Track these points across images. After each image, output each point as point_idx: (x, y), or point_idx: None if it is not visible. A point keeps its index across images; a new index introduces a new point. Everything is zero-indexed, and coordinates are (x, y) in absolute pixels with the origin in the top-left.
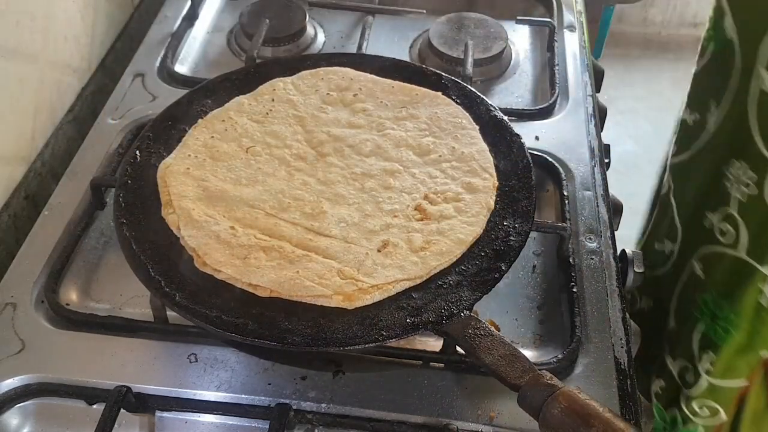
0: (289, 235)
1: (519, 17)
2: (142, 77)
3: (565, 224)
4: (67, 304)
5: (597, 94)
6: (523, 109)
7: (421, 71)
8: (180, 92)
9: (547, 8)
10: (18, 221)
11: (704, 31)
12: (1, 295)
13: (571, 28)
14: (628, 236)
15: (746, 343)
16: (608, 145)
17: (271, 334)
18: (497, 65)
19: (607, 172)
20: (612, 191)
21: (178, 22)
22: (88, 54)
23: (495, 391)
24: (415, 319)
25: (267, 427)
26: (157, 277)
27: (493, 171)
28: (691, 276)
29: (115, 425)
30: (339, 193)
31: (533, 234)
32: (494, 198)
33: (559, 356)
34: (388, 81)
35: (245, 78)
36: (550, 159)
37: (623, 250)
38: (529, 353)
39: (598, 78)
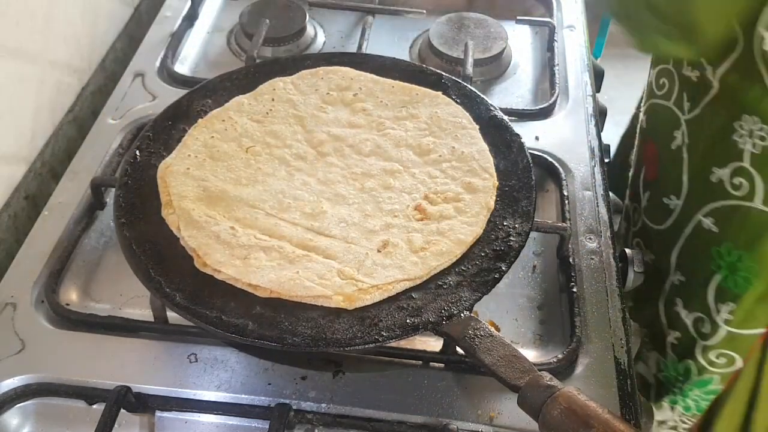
0: (289, 235)
1: (519, 17)
2: (142, 77)
3: (565, 224)
4: (67, 304)
5: (597, 94)
6: (523, 109)
7: (421, 71)
8: (180, 92)
9: (547, 8)
10: (18, 221)
11: None
12: (1, 295)
13: (571, 28)
14: None
15: (767, 292)
16: (608, 145)
17: (271, 335)
18: (497, 65)
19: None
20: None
21: (178, 22)
22: (88, 54)
23: (495, 391)
24: (415, 320)
25: (267, 427)
26: (157, 278)
27: (493, 171)
28: (699, 230)
29: (115, 425)
30: (339, 193)
31: (533, 234)
32: (494, 198)
33: (559, 356)
34: (388, 81)
35: (245, 78)
36: (550, 159)
37: (623, 250)
38: (529, 353)
39: (598, 78)
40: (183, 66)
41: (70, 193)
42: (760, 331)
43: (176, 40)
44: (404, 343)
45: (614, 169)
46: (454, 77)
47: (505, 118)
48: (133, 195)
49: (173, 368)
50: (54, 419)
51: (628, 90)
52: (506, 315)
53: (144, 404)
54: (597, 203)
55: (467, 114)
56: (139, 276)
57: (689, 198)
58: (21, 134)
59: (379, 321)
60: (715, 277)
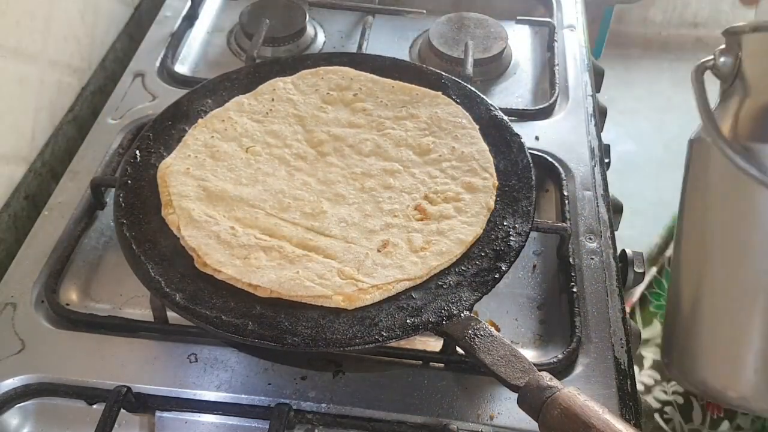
0: (289, 235)
1: (519, 17)
2: (142, 77)
3: (565, 224)
4: (67, 304)
5: (597, 94)
6: (523, 109)
7: (421, 71)
8: (180, 92)
9: (547, 8)
10: (18, 221)
11: None
12: (1, 295)
13: (571, 28)
14: (628, 236)
15: None
16: (608, 145)
17: (271, 335)
18: (497, 65)
19: (607, 172)
20: (612, 191)
21: (178, 22)
22: (88, 54)
23: (495, 391)
24: (415, 320)
25: (267, 427)
26: (157, 278)
27: (493, 171)
28: None
29: (115, 425)
30: (339, 193)
31: (533, 234)
32: (494, 198)
33: (559, 356)
34: (388, 81)
35: (245, 78)
36: (550, 159)
37: (623, 250)
38: (529, 353)
39: (598, 78)
40: (183, 66)
41: (70, 193)
42: None
43: (176, 40)
44: (404, 343)
45: None
46: (454, 77)
47: (505, 118)
48: (133, 195)
49: (173, 368)
50: (54, 419)
51: (628, 90)
52: (506, 315)
53: (144, 404)
54: (597, 203)
55: (467, 114)
56: (139, 276)
57: None
58: (21, 134)
59: (379, 321)
60: None
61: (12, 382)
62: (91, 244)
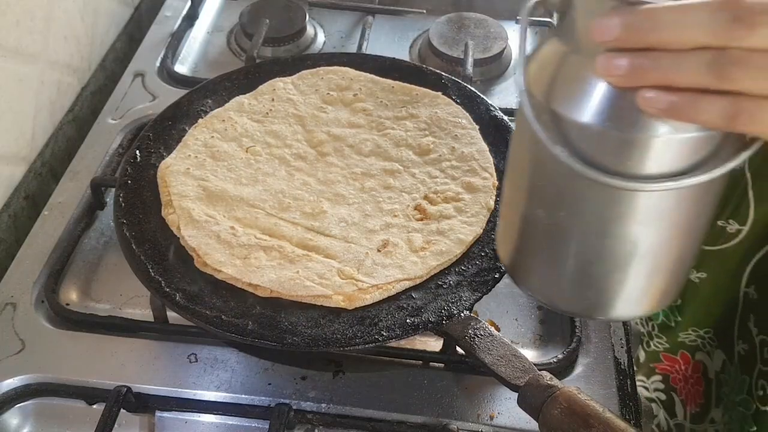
0: (290, 235)
1: (519, 17)
2: (142, 77)
3: None
4: (67, 304)
5: None
6: None
7: (421, 71)
8: (180, 92)
9: (547, 8)
10: (18, 221)
11: None
12: (1, 295)
13: None
14: None
15: None
16: None
17: (271, 335)
18: (497, 65)
19: None
20: None
21: (178, 22)
22: (88, 54)
23: (495, 391)
24: (415, 320)
25: (267, 427)
26: (157, 277)
27: (493, 171)
28: None
29: (115, 425)
30: (339, 193)
31: None
32: (494, 198)
33: (559, 356)
34: (388, 81)
35: (245, 78)
36: None
37: None
38: (529, 353)
39: None
40: (183, 66)
41: (70, 193)
42: None
43: (176, 40)
44: (404, 343)
45: None
46: (454, 77)
47: (505, 118)
48: (133, 195)
49: (173, 368)
50: (54, 419)
51: None
52: (506, 315)
53: (144, 404)
54: None
55: (467, 114)
56: (139, 276)
57: (757, 227)
58: (21, 134)
59: (379, 321)
60: None
61: (12, 382)
62: (91, 244)
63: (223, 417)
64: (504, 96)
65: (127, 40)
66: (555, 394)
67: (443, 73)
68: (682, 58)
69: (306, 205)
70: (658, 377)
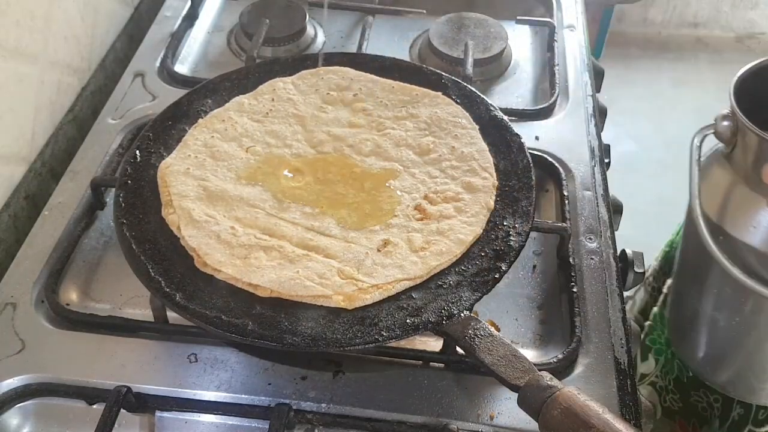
0: (290, 235)
1: (519, 17)
2: (142, 77)
3: (565, 224)
4: (67, 304)
5: (597, 94)
6: (523, 109)
7: (421, 71)
8: (180, 92)
9: (547, 8)
10: (18, 221)
11: None
12: (1, 295)
13: (571, 28)
14: (628, 236)
15: None
16: (608, 145)
17: (271, 335)
18: (497, 65)
19: (607, 172)
20: (612, 191)
21: (178, 22)
22: (88, 54)
23: (495, 391)
24: (415, 320)
25: (267, 427)
26: (157, 277)
27: (492, 171)
28: None
29: (115, 425)
30: (339, 193)
31: (533, 234)
32: (494, 198)
33: (559, 356)
34: (388, 81)
35: (245, 78)
36: (550, 159)
37: (623, 250)
38: (529, 353)
39: (598, 78)
40: (183, 66)
41: (70, 193)
42: None
43: (176, 40)
44: (404, 343)
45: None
46: (454, 77)
47: (505, 118)
48: (133, 195)
49: (173, 368)
50: (54, 419)
51: (628, 90)
52: (506, 315)
53: (144, 404)
54: (597, 203)
55: (467, 114)
56: (139, 276)
57: None
58: (21, 134)
59: (379, 321)
60: None
61: (12, 382)
62: (91, 244)
63: (223, 417)
64: (504, 96)
65: (127, 40)
66: (555, 394)
67: (443, 73)
68: None
69: (306, 205)
70: None
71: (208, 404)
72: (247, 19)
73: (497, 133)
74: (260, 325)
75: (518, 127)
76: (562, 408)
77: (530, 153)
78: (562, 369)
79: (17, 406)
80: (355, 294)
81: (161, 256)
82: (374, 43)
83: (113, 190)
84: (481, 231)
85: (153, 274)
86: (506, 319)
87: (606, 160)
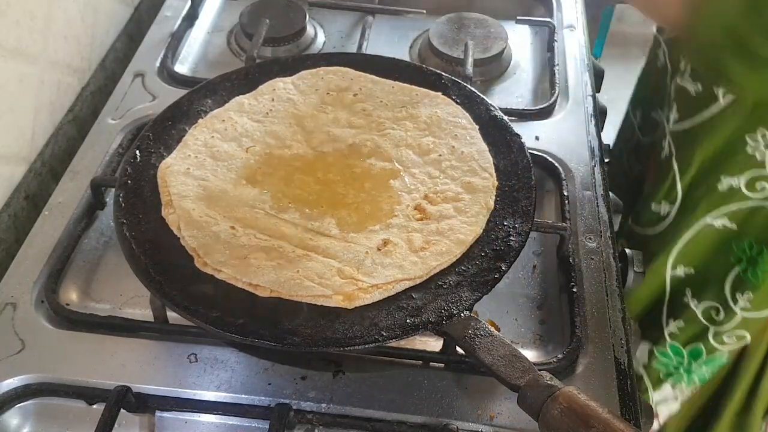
0: (289, 235)
1: (519, 17)
2: (142, 77)
3: (565, 224)
4: (67, 304)
5: (597, 94)
6: (523, 109)
7: (421, 71)
8: (180, 92)
9: (547, 8)
10: (18, 221)
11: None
12: (1, 295)
13: (571, 28)
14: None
15: None
16: (608, 145)
17: (271, 335)
18: (497, 65)
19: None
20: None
21: (178, 22)
22: (88, 54)
23: (495, 391)
24: (415, 320)
25: (267, 427)
26: (157, 277)
27: (492, 171)
28: (709, 230)
29: (115, 425)
30: (339, 193)
31: (533, 234)
32: (494, 198)
33: (559, 356)
34: (388, 81)
35: (245, 78)
36: (550, 159)
37: (623, 250)
38: (529, 353)
39: (598, 78)
40: (183, 66)
41: (70, 193)
42: None
43: (176, 40)
44: (404, 343)
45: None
46: (454, 77)
47: (505, 118)
48: (133, 195)
49: (173, 368)
50: (54, 419)
51: (628, 90)
52: (506, 315)
53: (144, 404)
54: (597, 203)
55: (467, 114)
56: (139, 276)
57: (690, 203)
58: (21, 134)
59: (378, 321)
60: (734, 270)
61: (12, 382)
62: (91, 244)
63: (223, 417)
64: (504, 96)
65: (127, 40)
66: (555, 394)
67: (443, 73)
68: None
69: (306, 205)
70: None
71: (208, 404)
72: (247, 19)
73: (497, 133)
74: (260, 325)
75: (518, 127)
76: (562, 408)
77: (530, 153)
78: (562, 369)
79: (17, 406)
80: (355, 294)
81: (161, 256)
82: (374, 43)
83: (113, 190)
84: (481, 231)
85: (153, 274)
86: (506, 319)
87: (606, 160)
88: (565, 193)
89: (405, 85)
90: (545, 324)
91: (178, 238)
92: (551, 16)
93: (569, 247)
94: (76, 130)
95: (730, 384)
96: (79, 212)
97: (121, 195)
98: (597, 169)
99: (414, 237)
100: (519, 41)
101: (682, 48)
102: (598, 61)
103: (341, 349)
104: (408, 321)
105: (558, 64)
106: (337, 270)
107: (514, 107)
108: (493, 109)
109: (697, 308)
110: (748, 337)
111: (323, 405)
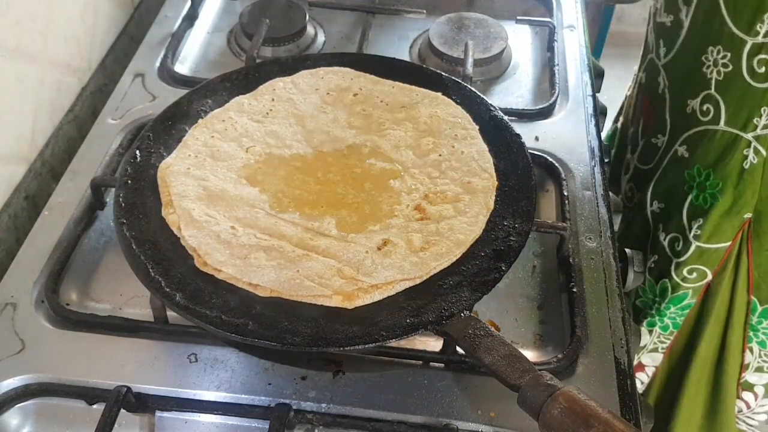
0: (289, 235)
1: (519, 17)
2: (142, 77)
3: (565, 224)
4: (67, 304)
5: (597, 94)
6: (523, 109)
7: (421, 71)
8: (180, 92)
9: (547, 8)
10: (18, 221)
11: None
12: (1, 295)
13: (571, 28)
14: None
15: (731, 207)
16: (608, 145)
17: (271, 334)
18: (497, 65)
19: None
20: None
21: (178, 22)
22: (88, 54)
23: (495, 391)
24: (415, 320)
25: (267, 427)
26: (157, 277)
27: (492, 171)
28: (675, 159)
29: (115, 425)
30: (338, 193)
31: (533, 234)
32: (494, 198)
33: (559, 356)
34: (388, 81)
35: (245, 78)
36: (550, 159)
37: (623, 250)
38: (529, 353)
39: (598, 78)
40: (183, 66)
41: (70, 193)
42: (726, 245)
43: (176, 40)
44: (404, 343)
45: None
46: (454, 77)
47: (505, 118)
48: (133, 195)
49: (173, 368)
50: (54, 419)
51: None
52: (506, 315)
53: (144, 404)
54: (597, 203)
55: (467, 114)
56: (139, 276)
57: (671, 132)
58: (21, 134)
59: (378, 321)
60: (689, 198)
61: (12, 382)
62: (91, 244)
63: (223, 417)
64: (504, 96)
65: (127, 41)
66: (555, 394)
67: (443, 73)
68: None
69: (306, 205)
70: None
71: (208, 404)
72: (247, 19)
73: (497, 134)
74: (260, 325)
75: (518, 127)
76: (562, 407)
77: (530, 153)
78: (562, 369)
79: (17, 406)
80: (355, 294)
81: (161, 256)
82: (374, 43)
83: (113, 190)
84: (481, 231)
85: (153, 274)
86: (506, 319)
87: (606, 160)
88: (565, 193)
89: (405, 85)
90: (545, 324)
91: (178, 238)
92: (551, 16)
93: (569, 247)
94: (76, 130)
95: (699, 330)
96: (79, 212)
97: (121, 195)
98: (597, 169)
99: (414, 237)
100: (519, 41)
101: None
102: (598, 61)
103: (341, 349)
104: (408, 321)
105: (558, 64)
106: (337, 270)
107: (514, 107)
108: (493, 109)
109: (665, 241)
110: (709, 275)
111: (323, 405)
